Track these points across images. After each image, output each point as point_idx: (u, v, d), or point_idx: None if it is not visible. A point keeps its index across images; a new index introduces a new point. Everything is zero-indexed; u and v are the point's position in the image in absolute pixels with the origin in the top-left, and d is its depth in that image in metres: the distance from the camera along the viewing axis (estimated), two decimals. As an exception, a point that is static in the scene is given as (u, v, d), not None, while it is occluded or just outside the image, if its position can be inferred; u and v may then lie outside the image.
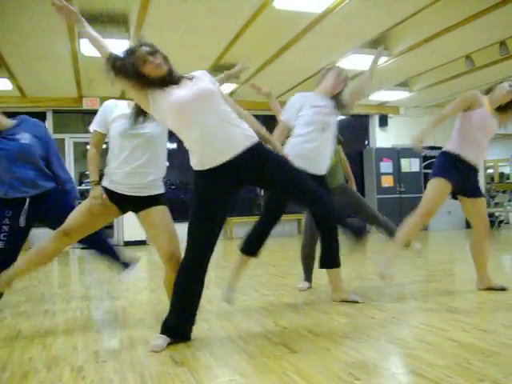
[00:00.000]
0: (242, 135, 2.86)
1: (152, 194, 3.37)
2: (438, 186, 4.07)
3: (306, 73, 9.48)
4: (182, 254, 2.99)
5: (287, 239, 11.15)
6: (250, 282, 5.18)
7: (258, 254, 3.79)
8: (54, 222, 3.81)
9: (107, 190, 3.30)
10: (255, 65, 8.68)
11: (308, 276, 4.78)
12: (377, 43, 7.96)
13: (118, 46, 7.06)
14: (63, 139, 10.70)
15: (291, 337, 3.02)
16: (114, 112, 3.32)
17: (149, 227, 3.38)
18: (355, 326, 3.24)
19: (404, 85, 10.85)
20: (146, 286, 4.63)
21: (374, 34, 7.48)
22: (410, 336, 2.97)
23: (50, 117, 10.71)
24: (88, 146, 3.48)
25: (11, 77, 8.84)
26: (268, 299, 4.27)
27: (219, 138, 2.79)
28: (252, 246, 3.78)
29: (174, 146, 11.55)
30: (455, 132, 4.14)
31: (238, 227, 11.57)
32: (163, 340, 2.89)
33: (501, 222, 12.63)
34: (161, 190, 3.44)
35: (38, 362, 2.72)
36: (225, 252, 8.91)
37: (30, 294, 4.90)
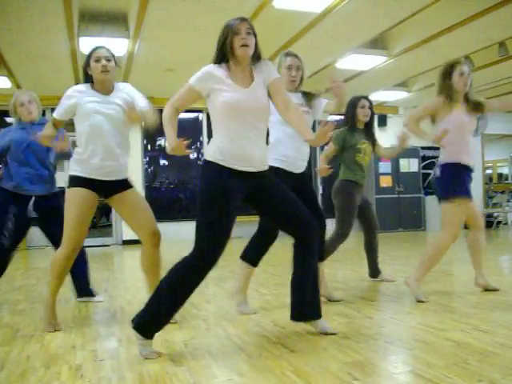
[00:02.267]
0: (265, 157, 2.94)
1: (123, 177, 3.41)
2: (465, 207, 4.03)
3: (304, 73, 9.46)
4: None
5: (287, 238, 11.12)
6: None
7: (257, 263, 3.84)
8: (51, 223, 4.01)
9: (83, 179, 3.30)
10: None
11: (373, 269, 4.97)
12: (376, 43, 7.97)
13: (118, 45, 7.08)
14: (62, 138, 10.67)
15: (290, 336, 3.03)
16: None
17: (126, 209, 3.39)
18: (354, 326, 3.24)
19: (403, 85, 10.85)
20: (144, 285, 4.61)
21: (373, 34, 7.48)
22: (408, 336, 2.98)
23: (48, 115, 10.68)
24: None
25: (10, 75, 8.83)
26: (267, 299, 4.28)
27: (256, 151, 2.81)
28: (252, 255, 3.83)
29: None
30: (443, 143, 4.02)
31: (237, 227, 11.55)
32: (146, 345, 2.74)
33: (499, 222, 12.64)
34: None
35: (36, 360, 2.72)
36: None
37: (28, 293, 4.90)
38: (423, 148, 12.88)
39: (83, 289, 4.34)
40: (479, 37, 7.58)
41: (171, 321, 2.91)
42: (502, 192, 13.49)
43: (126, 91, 3.35)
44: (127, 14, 6.65)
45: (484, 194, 13.76)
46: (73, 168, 3.31)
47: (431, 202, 12.35)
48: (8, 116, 11.03)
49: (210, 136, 11.83)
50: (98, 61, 3.26)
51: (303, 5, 6.11)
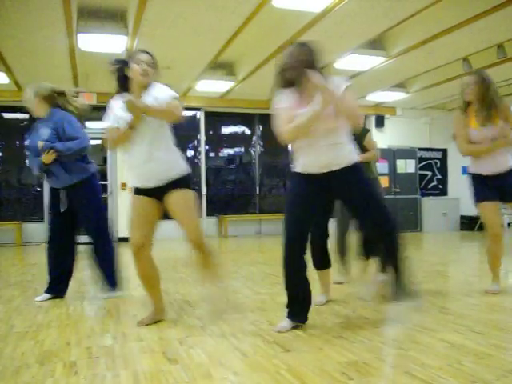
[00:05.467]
0: (343, 155, 3.11)
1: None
2: (487, 209, 4.17)
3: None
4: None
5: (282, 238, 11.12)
6: (245, 281, 5.18)
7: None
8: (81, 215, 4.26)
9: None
10: (253, 63, 8.68)
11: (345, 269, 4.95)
12: (374, 44, 7.97)
13: (116, 42, 7.07)
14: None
15: (285, 336, 3.03)
16: None
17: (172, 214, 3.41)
18: (349, 326, 3.24)
19: (401, 86, 10.85)
20: (139, 282, 4.61)
21: (371, 35, 7.47)
22: (403, 337, 2.98)
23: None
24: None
25: (8, 71, 8.80)
26: (262, 298, 4.27)
27: (324, 156, 3.08)
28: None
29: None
30: None
31: (232, 226, 11.61)
32: (287, 323, 3.18)
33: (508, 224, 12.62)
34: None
35: (30, 357, 2.71)
36: (218, 250, 8.90)
37: (24, 289, 4.89)
38: (420, 149, 12.91)
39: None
40: (478, 39, 7.58)
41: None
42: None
43: (154, 93, 3.28)
44: (126, 11, 6.64)
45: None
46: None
47: (428, 203, 12.39)
48: (6, 112, 11.09)
49: (207, 134, 11.84)
50: (139, 63, 3.24)
51: (303, 4, 6.10)
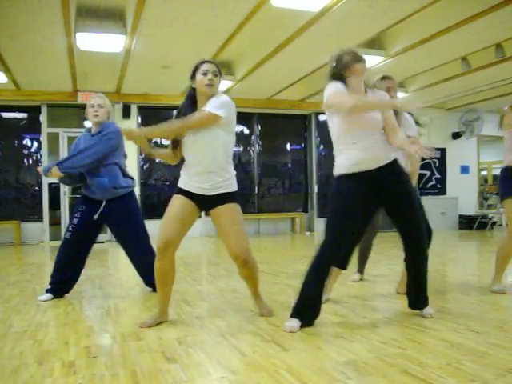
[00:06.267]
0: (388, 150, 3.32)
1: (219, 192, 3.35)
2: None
3: (301, 72, 9.48)
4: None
5: (280, 238, 11.16)
6: (242, 280, 5.17)
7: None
8: (123, 229, 4.35)
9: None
10: (251, 63, 8.68)
11: (361, 268, 4.96)
12: (373, 43, 7.97)
13: (115, 41, 7.06)
14: (57, 133, 10.65)
15: (283, 335, 3.02)
16: None
17: (217, 227, 3.42)
18: (348, 326, 3.24)
19: (400, 85, 10.84)
20: (138, 282, 4.61)
21: (370, 34, 7.47)
22: (402, 336, 2.98)
23: (44, 111, 10.66)
24: None
25: (6, 70, 8.79)
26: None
27: (376, 149, 3.25)
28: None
29: (168, 141, 11.50)
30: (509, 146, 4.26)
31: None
32: (296, 322, 3.14)
33: (494, 223, 12.67)
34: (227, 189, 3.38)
35: (28, 356, 2.71)
36: (217, 249, 8.90)
37: (23, 289, 4.88)
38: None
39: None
40: (476, 38, 7.58)
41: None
42: (497, 194, 13.50)
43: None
44: (125, 10, 6.63)
45: (479, 196, 13.80)
46: None
47: (426, 202, 12.37)
48: (5, 111, 11.07)
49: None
50: (205, 74, 3.23)
51: (301, 3, 6.10)
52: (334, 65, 3.28)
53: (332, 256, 3.24)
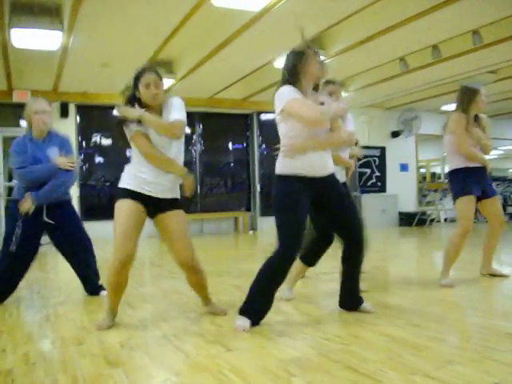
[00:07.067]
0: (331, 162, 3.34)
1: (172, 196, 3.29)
2: (466, 203, 4.36)
3: (243, 71, 9.48)
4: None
5: (224, 237, 11.13)
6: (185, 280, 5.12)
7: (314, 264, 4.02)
8: (65, 233, 4.24)
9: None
10: (193, 61, 8.61)
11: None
12: (313, 43, 8.03)
13: (51, 37, 6.86)
14: (-8, 133, 10.26)
15: (227, 335, 3.01)
16: None
17: (164, 232, 3.33)
18: (291, 323, 3.26)
19: (340, 85, 11.01)
20: (78, 285, 4.49)
21: (310, 34, 7.53)
22: (345, 332, 3.01)
23: (-23, 111, 10.25)
24: None
25: None
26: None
27: (325, 158, 3.27)
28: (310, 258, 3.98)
29: (108, 141, 11.33)
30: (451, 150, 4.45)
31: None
32: (247, 321, 3.08)
33: (432, 220, 13.03)
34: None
35: (-39, 366, 2.59)
36: (159, 251, 8.78)
37: None
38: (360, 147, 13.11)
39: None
40: (414, 39, 7.78)
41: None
42: (435, 190, 13.89)
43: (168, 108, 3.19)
44: (62, 6, 6.45)
45: (418, 193, 14.17)
46: None
47: (366, 200, 12.61)
48: None
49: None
50: (147, 87, 3.11)
51: (242, 3, 6.10)
52: (291, 65, 3.22)
53: (288, 256, 3.14)
